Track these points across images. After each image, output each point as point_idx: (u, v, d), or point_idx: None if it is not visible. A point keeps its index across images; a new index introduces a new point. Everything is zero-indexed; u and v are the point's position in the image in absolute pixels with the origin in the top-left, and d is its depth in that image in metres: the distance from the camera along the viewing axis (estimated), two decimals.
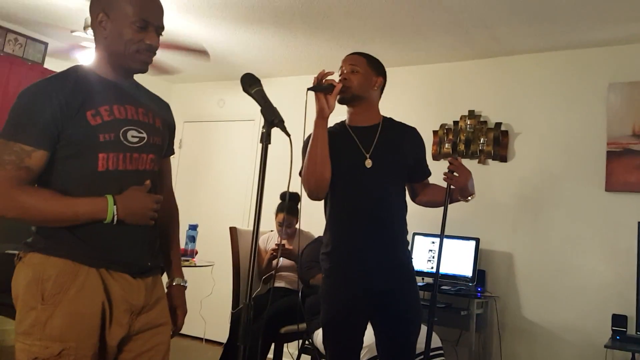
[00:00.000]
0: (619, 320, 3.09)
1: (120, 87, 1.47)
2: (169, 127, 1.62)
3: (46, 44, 4.25)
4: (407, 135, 2.24)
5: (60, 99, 1.34)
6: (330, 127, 2.16)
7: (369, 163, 2.05)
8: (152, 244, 1.51)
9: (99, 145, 1.37)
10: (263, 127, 1.38)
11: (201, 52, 3.82)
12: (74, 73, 1.45)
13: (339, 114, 2.22)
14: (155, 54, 1.48)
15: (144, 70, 1.49)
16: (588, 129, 3.57)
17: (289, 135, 1.38)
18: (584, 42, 3.57)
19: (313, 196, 2.13)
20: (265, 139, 1.37)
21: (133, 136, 1.43)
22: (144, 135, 1.46)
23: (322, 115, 2.01)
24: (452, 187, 2.15)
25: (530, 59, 3.84)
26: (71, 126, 1.35)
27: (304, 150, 2.14)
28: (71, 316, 1.31)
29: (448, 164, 2.12)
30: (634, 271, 3.06)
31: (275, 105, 1.42)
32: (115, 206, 1.35)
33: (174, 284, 1.64)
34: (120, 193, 1.38)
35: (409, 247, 2.24)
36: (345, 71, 2.16)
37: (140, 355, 1.44)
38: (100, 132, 1.37)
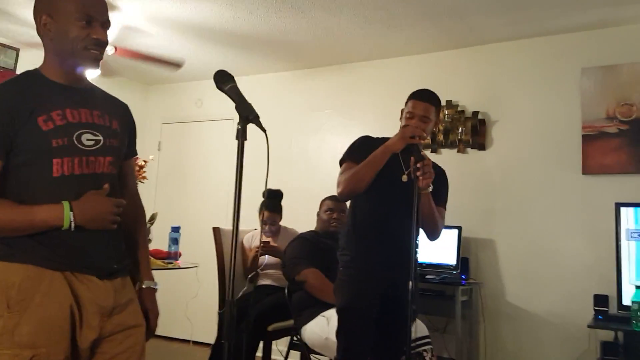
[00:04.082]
0: (600, 300, 3.15)
1: (73, 90, 1.45)
2: (128, 129, 1.60)
3: (17, 50, 4.18)
4: (440, 176, 2.43)
5: (9, 107, 1.33)
6: (381, 137, 2.40)
7: (405, 178, 2.26)
8: (117, 247, 1.49)
9: (52, 150, 1.35)
10: (238, 124, 1.37)
11: (174, 64, 3.80)
12: (24, 79, 1.43)
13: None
14: (104, 48, 1.46)
15: (95, 66, 1.45)
16: (563, 113, 3.63)
17: (264, 131, 1.37)
18: (556, 28, 3.62)
19: (343, 199, 2.45)
20: (241, 136, 1.37)
21: (88, 139, 1.41)
22: (100, 138, 1.44)
23: (391, 149, 2.23)
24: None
25: (505, 47, 3.88)
26: (23, 133, 1.33)
27: (352, 150, 2.38)
28: (39, 322, 1.29)
29: (419, 163, 2.18)
30: (613, 252, 3.12)
31: (251, 101, 1.42)
32: (72, 212, 1.33)
33: (143, 287, 1.61)
34: (78, 198, 1.36)
35: None
36: (417, 120, 2.33)
37: (114, 357, 1.42)
38: (53, 137, 1.35)
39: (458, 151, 3.95)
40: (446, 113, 3.96)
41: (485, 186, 3.85)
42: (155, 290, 1.64)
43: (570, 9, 3.33)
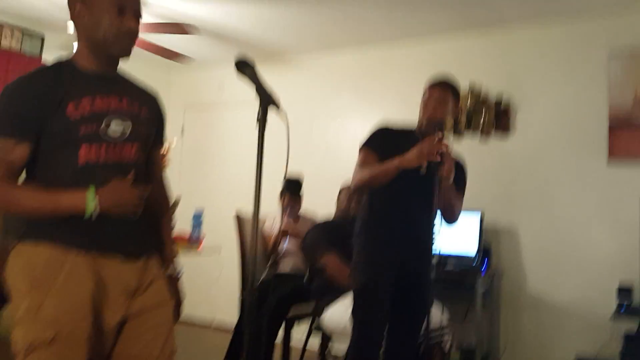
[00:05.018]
0: (624, 291, 3.09)
1: (103, 77, 1.47)
2: (157, 118, 1.62)
3: (42, 37, 4.24)
4: (459, 169, 2.38)
5: (41, 93, 1.36)
6: (400, 130, 2.42)
7: (424, 169, 2.18)
8: (142, 231, 1.51)
9: (80, 138, 1.38)
10: (259, 109, 1.38)
11: (189, 27, 3.74)
12: (56, 66, 1.46)
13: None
14: (135, 38, 1.48)
15: (126, 56, 1.48)
16: (590, 98, 3.54)
17: (283, 115, 1.38)
18: (583, 8, 3.50)
19: (357, 192, 2.62)
20: (262, 121, 1.38)
21: (116, 128, 1.43)
22: (129, 124, 1.46)
23: (406, 166, 2.19)
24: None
25: (530, 29, 3.78)
26: (53, 119, 1.36)
27: (372, 139, 2.38)
28: (63, 300, 1.32)
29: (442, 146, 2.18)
30: (637, 242, 3.06)
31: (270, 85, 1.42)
32: (95, 200, 1.35)
33: (166, 274, 1.62)
34: (104, 185, 1.38)
35: None
36: (437, 106, 2.32)
37: (140, 337, 1.45)
38: (82, 124, 1.38)
39: (481, 136, 3.88)
40: (469, 98, 3.90)
41: (508, 173, 3.79)
42: (178, 278, 1.66)
43: None
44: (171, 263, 1.65)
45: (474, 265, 3.50)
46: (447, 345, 3.06)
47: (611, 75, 3.46)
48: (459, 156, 2.47)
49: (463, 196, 2.46)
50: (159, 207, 1.65)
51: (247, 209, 3.68)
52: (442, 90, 2.35)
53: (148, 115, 1.55)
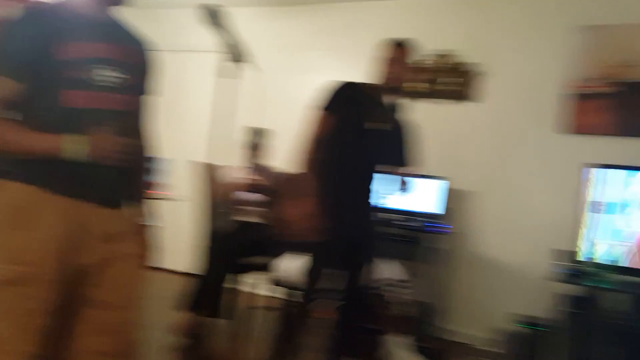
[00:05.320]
0: (565, 254, 3.25)
1: (97, 22, 1.44)
2: (145, 66, 1.59)
3: None
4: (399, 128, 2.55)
5: (34, 33, 1.34)
6: (366, 84, 2.47)
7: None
8: (119, 183, 1.51)
9: (66, 82, 1.36)
10: (226, 61, 1.35)
11: None
12: (49, 7, 1.41)
13: None
14: None
15: (118, 3, 1.46)
16: (554, 71, 3.61)
17: (258, 69, 1.36)
18: None
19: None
20: (232, 74, 1.35)
21: (107, 75, 1.41)
22: (119, 74, 1.44)
23: None
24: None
25: (500, 2, 3.80)
26: (43, 61, 1.34)
27: (333, 100, 2.39)
28: (34, 240, 1.33)
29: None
30: (582, 210, 3.21)
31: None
32: (74, 146, 1.34)
33: (139, 224, 1.64)
34: (89, 131, 1.36)
35: None
36: (394, 65, 2.39)
37: (110, 281, 1.46)
38: (69, 68, 1.35)
39: (446, 101, 3.93)
40: (436, 61, 3.91)
41: (474, 139, 3.88)
42: (149, 225, 1.67)
43: None
44: (141, 212, 1.66)
45: (437, 225, 3.63)
46: (402, 298, 3.19)
47: (574, 49, 3.52)
48: (401, 116, 2.54)
49: (405, 152, 2.57)
50: (138, 159, 1.63)
51: (205, 159, 3.66)
52: (401, 51, 2.38)
53: (137, 64, 1.52)
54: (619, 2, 3.44)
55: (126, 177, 1.54)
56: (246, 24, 4.55)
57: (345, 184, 2.45)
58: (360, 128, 2.36)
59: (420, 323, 3.50)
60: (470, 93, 3.86)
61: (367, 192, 2.43)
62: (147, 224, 1.66)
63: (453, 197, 3.84)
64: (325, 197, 2.43)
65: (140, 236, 1.60)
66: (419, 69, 3.97)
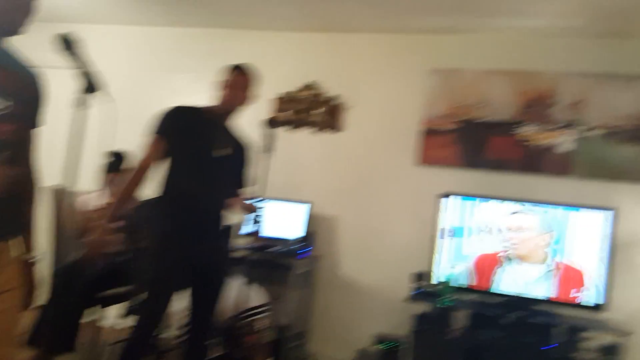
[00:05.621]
0: (420, 276, 3.54)
1: None
2: (38, 98, 1.50)
3: None
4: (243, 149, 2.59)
5: None
6: (196, 107, 2.46)
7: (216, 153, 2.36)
8: (3, 215, 1.43)
9: None
10: (80, 92, 1.32)
11: None
12: None
13: None
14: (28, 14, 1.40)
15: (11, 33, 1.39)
16: (409, 108, 3.97)
17: (112, 100, 1.34)
18: (412, 28, 3.90)
19: None
20: (85, 104, 1.32)
21: None
22: (9, 104, 1.36)
23: None
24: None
25: (365, 38, 4.10)
26: None
27: (164, 124, 2.36)
28: None
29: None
30: (430, 234, 3.54)
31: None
32: None
33: (22, 259, 1.54)
34: None
35: None
36: (234, 90, 2.42)
37: None
38: None
39: (314, 131, 4.12)
40: (305, 93, 4.10)
41: (336, 167, 4.09)
42: (33, 263, 1.58)
43: (424, 12, 3.60)
44: (30, 248, 1.57)
45: (293, 249, 3.72)
46: (263, 323, 3.22)
47: (427, 89, 3.90)
48: (240, 139, 2.60)
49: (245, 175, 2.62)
50: (25, 189, 1.55)
51: (60, 183, 3.42)
52: (241, 75, 2.45)
53: (28, 94, 1.44)
54: (465, 49, 3.88)
55: (11, 210, 1.46)
56: (111, 42, 4.41)
57: (184, 211, 2.39)
58: (197, 151, 2.35)
59: (282, 347, 3.56)
60: (335, 123, 4.08)
61: (212, 219, 2.40)
62: (31, 260, 1.57)
63: (316, 221, 4.00)
64: (162, 225, 2.40)
65: (22, 273, 1.50)
66: (288, 100, 4.13)
